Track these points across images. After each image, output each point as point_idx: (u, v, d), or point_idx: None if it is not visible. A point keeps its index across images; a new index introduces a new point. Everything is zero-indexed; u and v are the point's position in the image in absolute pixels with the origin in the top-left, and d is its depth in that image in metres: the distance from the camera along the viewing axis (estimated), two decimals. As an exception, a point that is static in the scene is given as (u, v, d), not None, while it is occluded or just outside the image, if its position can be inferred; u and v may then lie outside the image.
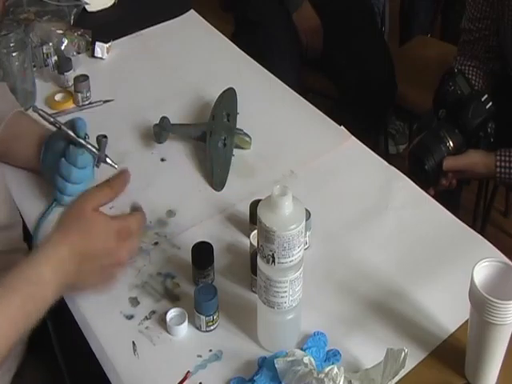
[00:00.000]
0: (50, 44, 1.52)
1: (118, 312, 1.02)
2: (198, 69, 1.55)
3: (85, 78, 1.43)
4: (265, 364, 0.93)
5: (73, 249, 0.88)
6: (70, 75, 1.47)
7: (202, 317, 0.97)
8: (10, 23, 1.52)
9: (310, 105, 1.43)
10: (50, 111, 1.39)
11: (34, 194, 1.22)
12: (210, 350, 0.96)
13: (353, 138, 1.34)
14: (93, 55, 1.57)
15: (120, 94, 1.46)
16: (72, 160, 1.14)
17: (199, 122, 1.36)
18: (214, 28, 1.69)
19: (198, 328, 0.98)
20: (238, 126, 1.33)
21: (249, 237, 1.06)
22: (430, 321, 1.00)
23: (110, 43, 1.58)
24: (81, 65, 1.53)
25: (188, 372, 0.93)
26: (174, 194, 1.22)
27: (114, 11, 1.75)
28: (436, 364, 0.94)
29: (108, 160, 1.18)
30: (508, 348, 0.88)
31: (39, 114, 1.15)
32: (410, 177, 1.25)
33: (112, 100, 1.44)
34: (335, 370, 0.86)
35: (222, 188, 1.23)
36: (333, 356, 0.95)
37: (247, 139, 1.31)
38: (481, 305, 0.84)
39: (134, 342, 0.97)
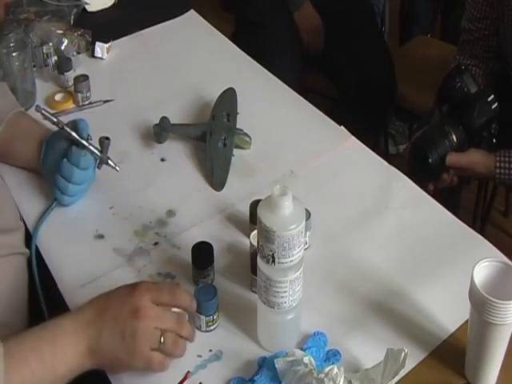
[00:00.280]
0: (50, 44, 1.52)
1: (118, 312, 1.02)
2: (198, 69, 1.55)
3: (85, 77, 1.43)
4: (265, 364, 0.93)
5: (98, 306, 0.87)
6: (70, 75, 1.47)
7: (202, 317, 0.97)
8: (10, 23, 1.52)
9: (309, 105, 1.43)
10: (50, 111, 1.39)
11: (34, 193, 1.22)
12: (210, 350, 0.96)
13: (353, 138, 1.34)
14: (93, 55, 1.57)
15: (120, 94, 1.46)
16: (75, 161, 1.14)
17: (199, 122, 1.36)
18: (213, 28, 1.69)
19: (198, 328, 0.98)
20: (238, 126, 1.33)
21: (249, 237, 1.06)
22: (430, 321, 1.00)
23: (109, 43, 1.58)
24: (81, 65, 1.54)
25: (188, 372, 0.93)
26: (174, 194, 1.22)
27: (114, 11, 1.75)
28: (436, 364, 0.94)
29: (110, 162, 1.18)
30: (508, 348, 0.88)
31: (42, 114, 1.15)
32: (410, 177, 1.25)
33: (112, 100, 1.44)
34: (335, 369, 0.86)
35: (221, 188, 1.23)
36: (333, 356, 0.95)
37: (247, 139, 1.31)
38: (481, 305, 0.84)
39: (134, 342, 0.97)
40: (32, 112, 1.28)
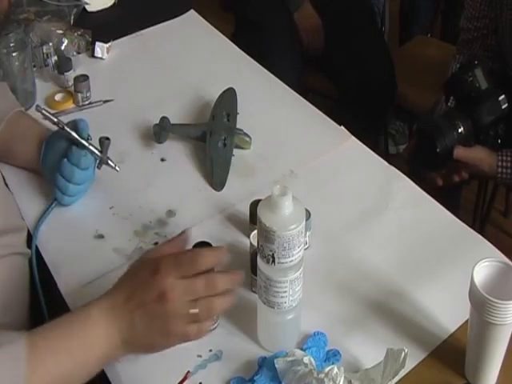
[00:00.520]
0: (50, 44, 1.52)
1: (118, 312, 1.02)
2: (198, 69, 1.55)
3: (85, 77, 1.43)
4: (265, 364, 0.93)
5: (124, 294, 0.84)
6: (70, 75, 1.47)
7: (202, 317, 0.97)
8: (10, 23, 1.52)
9: (310, 105, 1.43)
10: (50, 111, 1.39)
11: (34, 193, 1.22)
12: (210, 350, 0.96)
13: (353, 138, 1.34)
14: (93, 55, 1.57)
15: (120, 94, 1.46)
16: (75, 161, 1.14)
17: (199, 122, 1.36)
18: (213, 28, 1.69)
19: (198, 328, 0.98)
20: (238, 126, 1.33)
21: (249, 237, 1.06)
22: (430, 321, 1.00)
23: (109, 43, 1.58)
24: (81, 65, 1.54)
25: (188, 372, 0.93)
26: (174, 194, 1.22)
27: (114, 11, 1.75)
28: (436, 364, 0.94)
29: (110, 162, 1.18)
30: (508, 348, 0.88)
31: (42, 114, 1.14)
32: (410, 177, 1.25)
33: (112, 100, 1.44)
34: (335, 369, 0.86)
35: (221, 188, 1.23)
36: (333, 356, 0.95)
37: (247, 139, 1.31)
38: (481, 305, 0.84)
39: (134, 342, 0.97)
40: (32, 112, 1.28)
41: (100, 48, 1.57)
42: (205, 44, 1.63)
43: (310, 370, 0.87)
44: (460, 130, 1.45)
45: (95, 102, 1.43)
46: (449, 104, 1.60)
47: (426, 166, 1.39)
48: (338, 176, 1.25)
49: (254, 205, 1.08)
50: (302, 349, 0.94)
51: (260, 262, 0.89)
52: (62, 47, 1.53)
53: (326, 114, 1.41)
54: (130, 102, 1.44)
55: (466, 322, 0.91)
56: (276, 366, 0.90)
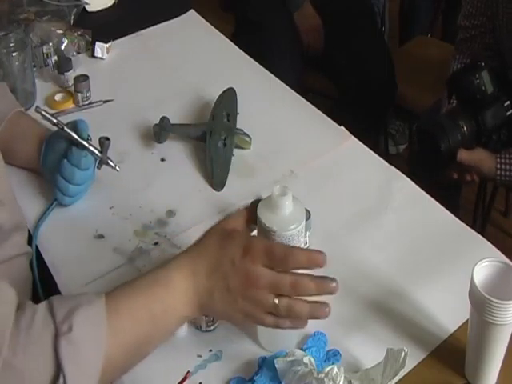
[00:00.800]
0: (50, 44, 1.52)
1: (118, 312, 1.01)
2: (198, 69, 1.55)
3: (85, 77, 1.43)
4: (265, 364, 0.93)
5: (209, 263, 0.83)
6: (70, 75, 1.47)
7: (202, 317, 0.97)
8: (10, 23, 1.52)
9: (310, 105, 1.43)
10: (50, 111, 1.39)
11: (34, 193, 1.22)
12: (210, 350, 0.96)
13: (353, 138, 1.34)
14: (93, 55, 1.57)
15: (120, 94, 1.46)
16: (75, 162, 1.14)
17: (199, 122, 1.36)
18: (213, 28, 1.69)
19: (198, 328, 0.98)
20: (238, 126, 1.33)
21: (249, 237, 1.05)
22: (430, 321, 1.00)
23: (109, 43, 1.58)
24: (81, 65, 1.54)
25: (188, 372, 0.93)
26: (174, 194, 1.22)
27: (114, 11, 1.75)
28: (436, 364, 0.94)
29: (110, 162, 1.18)
30: (508, 348, 0.88)
31: (42, 115, 1.14)
32: (410, 177, 1.25)
33: (112, 100, 1.44)
34: (335, 369, 0.86)
35: (221, 188, 1.23)
36: (333, 356, 0.95)
37: (247, 139, 1.31)
38: (481, 305, 0.84)
39: (134, 342, 0.97)
40: (32, 112, 1.28)
41: (100, 48, 1.57)
42: (205, 44, 1.63)
43: (309, 369, 0.87)
44: (464, 131, 1.45)
45: (95, 102, 1.43)
46: (451, 102, 1.60)
47: (428, 167, 1.39)
48: (338, 176, 1.25)
49: (254, 205, 1.08)
50: (302, 349, 0.94)
51: (260, 262, 0.89)
52: (62, 47, 1.53)
53: (326, 114, 1.41)
54: (129, 102, 1.44)
55: (466, 322, 0.91)
56: (276, 365, 0.90)
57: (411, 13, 2.69)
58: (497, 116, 1.45)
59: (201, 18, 1.74)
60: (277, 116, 1.40)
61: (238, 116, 1.35)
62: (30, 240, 1.12)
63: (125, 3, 1.77)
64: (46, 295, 1.07)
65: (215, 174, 1.25)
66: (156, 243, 1.12)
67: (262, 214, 0.85)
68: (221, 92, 1.39)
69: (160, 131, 1.31)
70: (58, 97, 1.44)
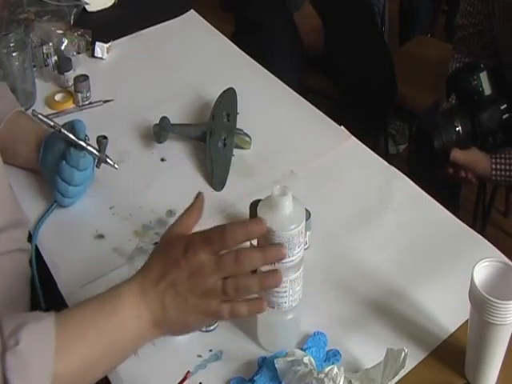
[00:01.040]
0: (50, 44, 1.52)
1: (118, 312, 1.01)
2: (198, 69, 1.55)
3: (85, 77, 1.43)
4: (265, 364, 0.93)
5: (155, 274, 0.80)
6: (70, 75, 1.47)
7: (202, 317, 0.97)
8: (10, 23, 1.52)
9: (310, 105, 1.43)
10: (50, 111, 1.40)
11: (34, 193, 1.22)
12: (210, 350, 0.96)
13: (353, 138, 1.34)
14: (93, 55, 1.57)
15: (120, 94, 1.46)
16: (74, 163, 1.13)
17: (199, 122, 1.36)
18: (213, 28, 1.69)
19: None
20: (238, 126, 1.33)
21: (249, 237, 1.05)
22: (430, 321, 1.00)
23: (109, 43, 1.58)
24: (81, 65, 1.54)
25: (188, 372, 0.93)
26: (174, 194, 1.22)
27: (114, 11, 1.75)
28: (436, 364, 0.94)
29: (108, 160, 1.18)
30: (508, 348, 0.88)
31: (38, 119, 1.14)
32: (410, 177, 1.25)
33: (112, 100, 1.44)
34: (335, 369, 0.86)
35: (221, 188, 1.23)
36: (333, 356, 0.95)
37: (247, 139, 1.31)
38: (481, 305, 0.84)
39: (134, 342, 0.97)
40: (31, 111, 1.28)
41: (100, 48, 1.57)
42: (205, 44, 1.63)
43: (309, 369, 0.87)
44: (458, 129, 1.45)
45: (95, 102, 1.43)
46: (450, 100, 1.60)
47: (424, 166, 1.39)
48: (338, 176, 1.25)
49: (254, 205, 1.08)
50: (302, 349, 0.94)
51: (260, 262, 0.89)
52: (62, 47, 1.53)
53: (326, 114, 1.41)
54: (130, 102, 1.44)
55: (466, 322, 0.91)
56: (276, 365, 0.90)
57: (411, 13, 2.69)
58: (493, 119, 1.46)
59: (201, 18, 1.74)
60: (277, 116, 1.40)
61: (238, 116, 1.35)
62: (30, 240, 1.12)
63: (125, 3, 1.77)
64: (45, 295, 1.08)
65: (215, 174, 1.25)
66: (156, 243, 1.12)
67: (262, 214, 0.85)
68: (221, 92, 1.39)
69: (160, 131, 1.31)
70: (58, 97, 1.44)
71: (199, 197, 0.88)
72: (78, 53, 1.58)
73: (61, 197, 1.16)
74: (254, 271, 0.81)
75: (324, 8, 2.21)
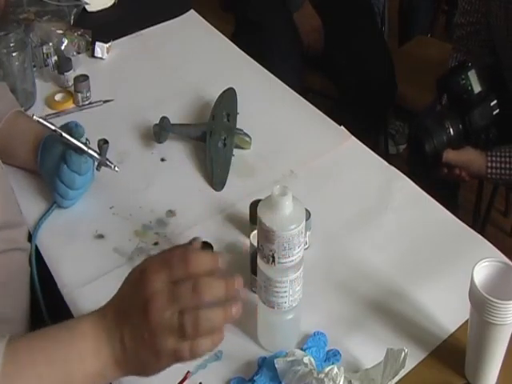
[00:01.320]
0: (50, 44, 1.52)
1: (118, 312, 1.01)
2: (198, 69, 1.54)
3: (85, 77, 1.43)
4: (265, 364, 0.93)
5: (117, 306, 0.74)
6: (70, 75, 1.47)
7: (202, 317, 0.97)
8: (10, 23, 1.52)
9: (310, 105, 1.43)
10: (50, 111, 1.40)
11: (33, 194, 1.21)
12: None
13: (353, 138, 1.34)
14: (93, 55, 1.57)
15: (120, 94, 1.46)
16: (76, 168, 1.13)
17: (199, 122, 1.36)
18: (214, 28, 1.69)
19: (198, 328, 0.98)
20: (238, 126, 1.33)
21: (249, 237, 1.06)
22: (430, 321, 1.00)
23: (109, 43, 1.58)
24: (81, 65, 1.54)
25: (188, 372, 0.93)
26: (173, 194, 1.22)
27: (114, 11, 1.75)
28: (436, 364, 0.94)
29: (109, 163, 1.17)
30: (508, 348, 0.88)
31: (39, 122, 1.13)
32: (410, 177, 1.25)
33: (112, 100, 1.44)
34: (335, 369, 0.86)
35: (221, 188, 1.23)
36: (333, 356, 0.95)
37: (247, 139, 1.31)
38: (481, 305, 0.84)
39: (133, 342, 0.97)
40: (31, 112, 1.28)
41: (100, 48, 1.57)
42: (205, 44, 1.63)
43: (309, 369, 0.87)
44: (449, 131, 1.46)
45: (95, 102, 1.43)
46: (443, 102, 1.60)
47: (420, 168, 1.39)
48: (338, 176, 1.25)
49: (254, 205, 1.08)
50: (302, 349, 0.94)
51: (260, 262, 0.89)
52: (62, 47, 1.53)
53: (326, 114, 1.41)
54: (130, 102, 1.44)
55: (466, 322, 0.91)
56: (276, 365, 0.90)
57: (411, 13, 2.69)
58: (483, 116, 1.46)
59: (201, 18, 1.74)
60: (277, 116, 1.40)
61: (238, 116, 1.35)
62: (30, 240, 1.12)
63: (125, 3, 1.77)
64: (45, 295, 1.08)
65: (215, 173, 1.25)
66: (156, 243, 1.12)
67: (262, 214, 0.85)
68: (221, 92, 1.39)
69: (160, 131, 1.31)
70: (57, 97, 1.44)
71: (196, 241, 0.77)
72: (78, 53, 1.58)
73: (61, 199, 1.16)
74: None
75: (324, 8, 2.21)
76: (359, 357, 0.94)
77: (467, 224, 1.16)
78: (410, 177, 1.25)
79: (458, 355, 0.93)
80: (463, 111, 1.46)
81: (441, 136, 1.46)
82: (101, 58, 1.57)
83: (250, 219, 1.11)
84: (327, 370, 0.86)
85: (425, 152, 1.45)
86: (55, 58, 1.51)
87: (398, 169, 1.27)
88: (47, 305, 1.07)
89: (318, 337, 0.97)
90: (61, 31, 1.57)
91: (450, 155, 1.47)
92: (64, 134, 1.13)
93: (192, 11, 1.75)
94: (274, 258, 0.86)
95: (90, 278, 1.06)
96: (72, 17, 1.66)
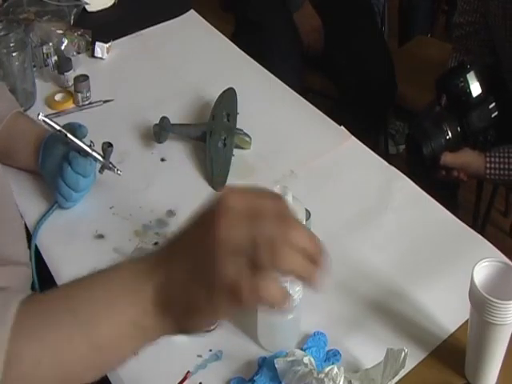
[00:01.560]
0: (50, 44, 1.52)
1: (118, 312, 1.01)
2: (198, 69, 1.54)
3: (85, 77, 1.43)
4: (265, 364, 0.93)
5: (167, 243, 0.63)
6: (70, 75, 1.47)
7: (202, 317, 0.97)
8: (10, 23, 1.52)
9: (310, 105, 1.43)
10: (50, 111, 1.40)
11: (34, 194, 1.21)
12: (210, 350, 0.96)
13: (353, 138, 1.34)
14: (93, 55, 1.57)
15: (120, 94, 1.46)
16: (81, 170, 1.13)
17: (199, 122, 1.36)
18: (214, 28, 1.69)
19: (198, 328, 0.98)
20: (238, 126, 1.33)
21: (249, 237, 1.05)
22: (430, 321, 1.00)
23: (110, 43, 1.58)
24: (81, 65, 1.54)
25: (188, 372, 0.93)
26: (173, 194, 1.22)
27: (114, 11, 1.75)
28: (436, 364, 0.94)
29: (112, 167, 1.18)
30: (508, 348, 0.88)
31: (46, 123, 1.12)
32: (410, 177, 1.25)
33: (112, 100, 1.44)
34: (335, 369, 0.86)
35: (222, 188, 1.23)
36: (333, 356, 0.95)
37: (247, 139, 1.31)
38: (481, 305, 0.84)
39: (134, 342, 0.97)
40: (31, 112, 1.28)
41: (100, 48, 1.57)
42: (205, 44, 1.63)
43: (309, 369, 0.87)
44: (447, 133, 1.46)
45: (95, 102, 1.43)
46: (442, 103, 1.60)
47: (418, 169, 1.39)
48: (338, 176, 1.25)
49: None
50: (302, 349, 0.94)
51: (260, 262, 0.89)
52: (62, 47, 1.53)
53: (326, 114, 1.41)
54: (130, 102, 1.44)
55: (466, 322, 0.91)
56: (276, 365, 0.90)
57: (410, 13, 2.69)
58: (482, 118, 1.46)
59: (201, 18, 1.74)
60: (277, 116, 1.40)
61: (238, 116, 1.35)
62: (30, 240, 1.12)
63: (125, 3, 1.77)
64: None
65: (215, 173, 1.25)
66: (156, 243, 1.13)
67: (262, 213, 0.85)
68: (221, 92, 1.39)
69: (160, 131, 1.31)
70: (58, 97, 1.44)
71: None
72: (78, 53, 1.58)
73: (63, 200, 1.16)
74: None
75: (324, 8, 2.21)
76: (359, 357, 0.94)
77: (467, 224, 1.16)
78: (410, 177, 1.25)
79: (458, 355, 0.93)
80: (461, 113, 1.46)
81: (439, 139, 1.46)
82: (101, 58, 1.57)
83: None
84: (327, 369, 0.86)
85: (423, 155, 1.45)
86: (55, 57, 1.51)
87: (398, 169, 1.27)
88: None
89: (318, 337, 0.97)
90: (61, 31, 1.57)
91: (447, 158, 1.47)
92: (69, 135, 1.13)
93: (192, 11, 1.75)
94: (274, 258, 0.86)
95: (90, 278, 1.06)
96: (72, 17, 1.66)
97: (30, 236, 1.13)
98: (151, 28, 1.68)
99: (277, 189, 0.85)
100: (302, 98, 1.46)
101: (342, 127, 1.36)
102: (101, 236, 1.14)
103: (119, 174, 1.18)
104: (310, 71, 2.26)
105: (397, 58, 2.24)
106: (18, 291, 0.75)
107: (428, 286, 1.04)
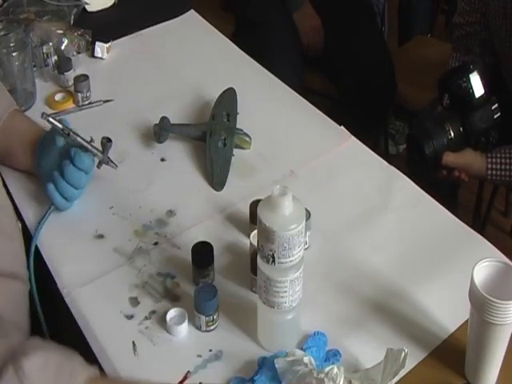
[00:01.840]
0: (50, 44, 1.52)
1: (118, 312, 1.02)
2: (198, 69, 1.55)
3: (85, 77, 1.43)
4: (265, 364, 0.93)
5: None
6: (70, 75, 1.47)
7: (202, 317, 0.97)
8: (10, 23, 1.52)
9: (310, 105, 1.43)
10: (50, 111, 1.40)
11: (33, 194, 1.21)
12: (210, 350, 0.96)
13: (353, 138, 1.34)
14: (93, 55, 1.57)
15: (120, 94, 1.46)
16: (84, 166, 1.12)
17: (199, 122, 1.36)
18: (214, 28, 1.69)
19: (198, 328, 0.98)
20: (238, 126, 1.33)
21: (249, 237, 1.06)
22: (430, 321, 1.00)
23: (109, 43, 1.58)
24: (81, 65, 1.54)
25: (188, 372, 0.93)
26: (174, 194, 1.22)
27: (114, 11, 1.75)
28: (436, 364, 0.94)
29: (110, 162, 1.18)
30: (508, 348, 0.88)
31: (49, 122, 1.12)
32: (410, 177, 1.25)
33: (112, 100, 1.44)
34: (335, 369, 0.86)
35: (221, 188, 1.23)
36: (333, 356, 0.95)
37: (247, 139, 1.31)
38: (481, 305, 0.84)
39: (133, 342, 0.97)
40: (31, 112, 1.28)
41: (100, 48, 1.57)
42: (205, 44, 1.63)
43: (310, 369, 0.87)
44: (449, 133, 1.46)
45: (95, 102, 1.43)
46: (444, 103, 1.60)
47: (418, 169, 1.39)
48: (338, 176, 1.25)
49: (254, 205, 1.08)
50: (302, 349, 0.94)
51: (260, 262, 0.89)
52: (62, 47, 1.53)
53: (326, 114, 1.41)
54: (130, 102, 1.44)
55: (466, 322, 0.91)
56: (276, 366, 0.90)
57: (410, 13, 2.69)
58: (484, 119, 1.45)
59: (201, 18, 1.74)
60: (277, 116, 1.40)
61: (238, 116, 1.35)
62: (31, 240, 1.12)
63: (125, 3, 1.77)
64: (45, 294, 1.07)
65: (215, 173, 1.25)
66: (156, 243, 1.12)
67: (262, 213, 0.85)
68: (221, 92, 1.40)
69: (160, 131, 1.31)
70: (57, 97, 1.44)
71: None
72: (78, 53, 1.57)
73: (63, 201, 1.15)
74: None
75: (324, 8, 2.21)
76: (359, 357, 0.95)
77: (467, 224, 1.16)
78: (410, 177, 1.25)
79: (457, 355, 0.93)
80: (464, 113, 1.46)
81: (441, 138, 1.45)
82: (101, 58, 1.57)
83: (250, 219, 1.11)
84: (327, 370, 0.86)
85: (424, 154, 1.45)
86: (55, 57, 1.51)
87: (398, 169, 1.27)
88: (45, 305, 1.06)
89: (318, 337, 0.97)
90: (61, 31, 1.57)
91: (449, 158, 1.47)
92: (71, 133, 1.13)
93: (192, 11, 1.75)
94: (273, 257, 0.86)
95: (89, 278, 1.06)
96: (72, 17, 1.66)
97: (30, 236, 1.13)
98: (151, 28, 1.68)
99: (277, 189, 0.85)
100: (301, 97, 1.46)
101: (342, 127, 1.36)
102: (101, 236, 1.14)
103: (115, 168, 1.18)
104: (310, 71, 2.26)
105: (397, 58, 2.24)
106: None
107: (428, 285, 1.04)
